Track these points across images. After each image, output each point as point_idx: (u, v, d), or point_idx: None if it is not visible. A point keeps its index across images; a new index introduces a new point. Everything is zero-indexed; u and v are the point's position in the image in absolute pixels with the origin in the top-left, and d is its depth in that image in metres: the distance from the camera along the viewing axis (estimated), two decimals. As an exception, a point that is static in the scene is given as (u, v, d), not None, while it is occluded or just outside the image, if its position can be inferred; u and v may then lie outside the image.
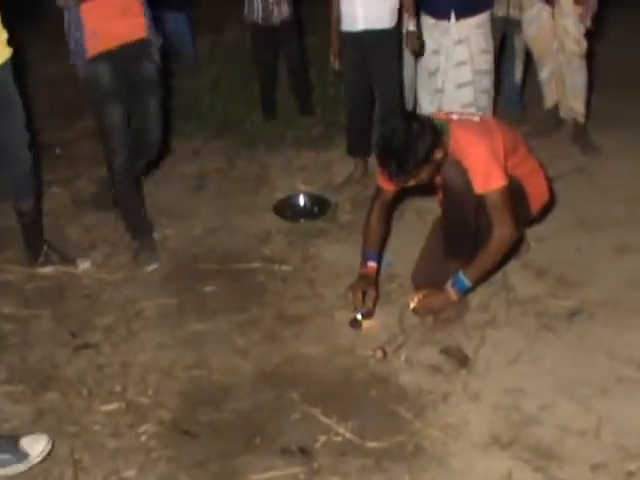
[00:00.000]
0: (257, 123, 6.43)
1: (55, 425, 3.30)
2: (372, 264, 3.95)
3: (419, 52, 5.26)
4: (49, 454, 3.13)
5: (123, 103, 4.31)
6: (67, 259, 4.46)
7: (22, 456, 3.09)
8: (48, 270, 4.40)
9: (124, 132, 4.33)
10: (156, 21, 4.40)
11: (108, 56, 4.14)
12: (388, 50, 5.11)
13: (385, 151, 3.52)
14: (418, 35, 5.14)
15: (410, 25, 5.10)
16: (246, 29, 6.50)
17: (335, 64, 5.32)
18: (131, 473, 3.07)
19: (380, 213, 3.97)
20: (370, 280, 3.92)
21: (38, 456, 3.10)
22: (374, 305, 3.90)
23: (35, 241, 4.46)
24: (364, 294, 3.87)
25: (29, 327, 3.97)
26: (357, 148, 5.41)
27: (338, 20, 5.13)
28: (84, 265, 4.46)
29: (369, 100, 5.35)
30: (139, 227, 4.58)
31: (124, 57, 4.22)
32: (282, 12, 6.11)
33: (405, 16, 5.14)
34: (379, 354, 3.64)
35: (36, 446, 3.11)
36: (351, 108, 5.37)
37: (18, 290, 4.29)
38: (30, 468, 3.09)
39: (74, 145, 6.09)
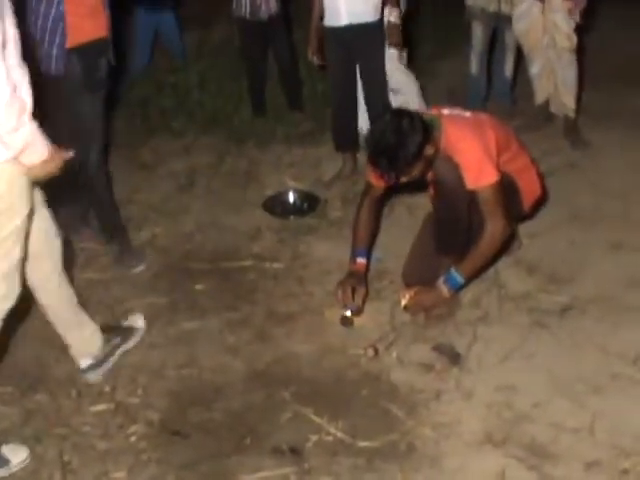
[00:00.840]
0: (246, 119, 6.41)
1: (44, 426, 3.27)
2: (361, 260, 3.93)
3: (399, 44, 5.25)
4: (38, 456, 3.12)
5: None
6: None
7: (3, 462, 3.08)
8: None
9: (102, 126, 4.26)
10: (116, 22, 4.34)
11: (81, 50, 4.04)
12: (373, 44, 5.09)
13: (376, 150, 3.49)
14: (400, 27, 5.11)
15: (392, 17, 5.08)
16: (234, 25, 6.47)
17: (314, 59, 5.31)
18: (121, 475, 3.04)
19: (370, 209, 3.94)
20: (359, 277, 3.89)
21: (18, 465, 3.10)
22: (363, 302, 3.87)
23: None
24: (353, 290, 3.85)
25: (18, 327, 3.92)
26: (345, 144, 5.38)
27: (319, 15, 5.11)
28: None
29: (355, 96, 5.32)
30: (117, 228, 4.50)
31: (93, 52, 4.13)
32: (270, 7, 6.07)
33: (387, 8, 5.12)
34: (370, 352, 3.61)
35: (18, 454, 3.12)
36: (337, 104, 5.33)
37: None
38: (19, 471, 3.06)
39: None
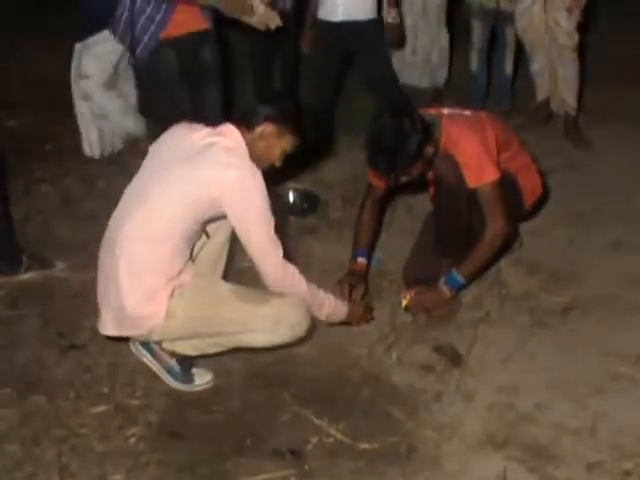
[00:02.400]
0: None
1: (42, 429, 3.23)
2: (362, 260, 3.91)
3: (399, 44, 5.25)
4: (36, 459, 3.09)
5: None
6: (46, 263, 4.37)
7: (188, 379, 3.45)
8: (30, 275, 4.32)
9: None
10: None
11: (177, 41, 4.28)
12: (372, 40, 5.11)
13: (375, 151, 3.47)
14: (399, 26, 5.16)
15: (390, 18, 5.08)
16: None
17: (305, 47, 5.41)
18: (119, 477, 3.01)
19: (371, 210, 3.93)
20: (359, 276, 3.88)
21: (199, 386, 3.46)
22: (362, 300, 3.86)
23: (10, 250, 4.31)
24: (352, 289, 3.83)
25: (15, 328, 3.90)
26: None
27: (315, 5, 5.16)
28: (61, 265, 4.38)
29: (331, 94, 5.38)
30: None
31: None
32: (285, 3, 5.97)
33: (385, 7, 5.15)
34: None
35: (203, 377, 3.48)
36: (310, 95, 5.34)
37: (3, 291, 4.22)
38: (17, 473, 3.02)
39: (64, 141, 6.02)
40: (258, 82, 6.36)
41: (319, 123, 4.74)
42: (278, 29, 5.14)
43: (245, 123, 3.25)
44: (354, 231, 3.98)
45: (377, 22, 5.11)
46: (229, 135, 3.21)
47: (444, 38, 6.30)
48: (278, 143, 3.28)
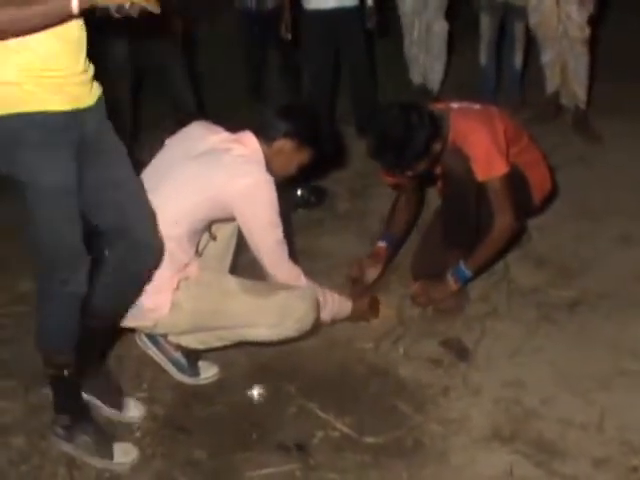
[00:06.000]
0: (252, 110, 6.33)
1: (48, 422, 3.21)
2: (381, 244, 3.98)
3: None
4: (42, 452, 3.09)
5: None
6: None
7: (194, 372, 3.44)
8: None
9: None
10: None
11: None
12: (359, 26, 5.33)
13: (381, 144, 3.46)
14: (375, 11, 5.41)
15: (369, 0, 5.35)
16: (240, 18, 6.37)
17: (287, 35, 5.53)
18: (125, 470, 3.01)
19: (405, 198, 4.01)
20: (377, 259, 3.94)
21: (205, 379, 3.45)
22: (373, 282, 3.92)
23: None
24: (365, 270, 3.91)
25: (22, 321, 3.89)
26: None
27: None
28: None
29: (333, 80, 5.51)
30: None
31: None
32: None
33: None
34: None
35: (209, 371, 3.48)
36: (318, 91, 5.36)
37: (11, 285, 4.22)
38: (24, 466, 3.03)
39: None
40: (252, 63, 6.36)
41: (336, 135, 4.79)
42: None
43: (264, 135, 3.27)
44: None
45: (360, 10, 5.35)
46: (247, 143, 3.24)
47: (441, 28, 6.25)
48: (296, 157, 3.33)
